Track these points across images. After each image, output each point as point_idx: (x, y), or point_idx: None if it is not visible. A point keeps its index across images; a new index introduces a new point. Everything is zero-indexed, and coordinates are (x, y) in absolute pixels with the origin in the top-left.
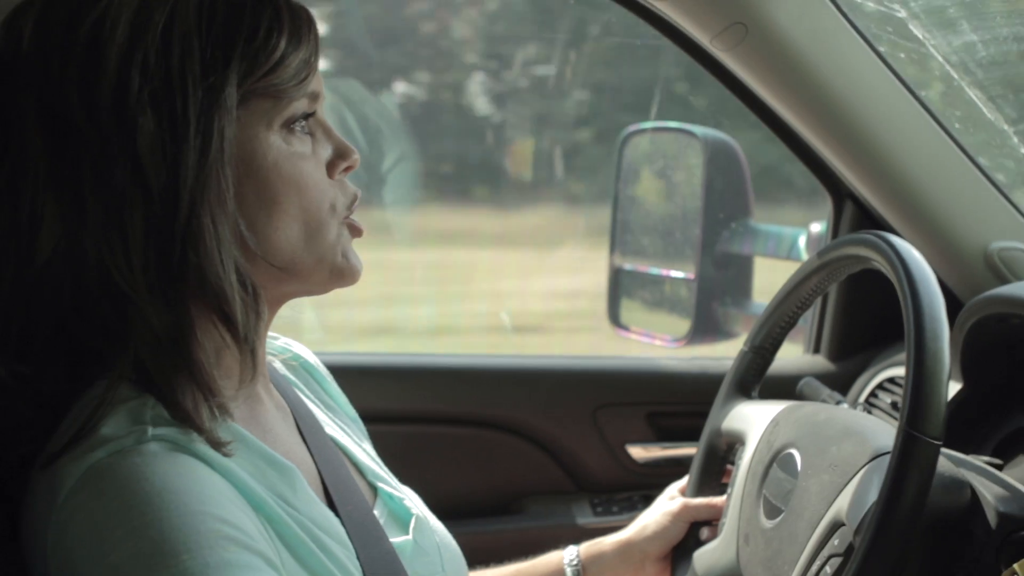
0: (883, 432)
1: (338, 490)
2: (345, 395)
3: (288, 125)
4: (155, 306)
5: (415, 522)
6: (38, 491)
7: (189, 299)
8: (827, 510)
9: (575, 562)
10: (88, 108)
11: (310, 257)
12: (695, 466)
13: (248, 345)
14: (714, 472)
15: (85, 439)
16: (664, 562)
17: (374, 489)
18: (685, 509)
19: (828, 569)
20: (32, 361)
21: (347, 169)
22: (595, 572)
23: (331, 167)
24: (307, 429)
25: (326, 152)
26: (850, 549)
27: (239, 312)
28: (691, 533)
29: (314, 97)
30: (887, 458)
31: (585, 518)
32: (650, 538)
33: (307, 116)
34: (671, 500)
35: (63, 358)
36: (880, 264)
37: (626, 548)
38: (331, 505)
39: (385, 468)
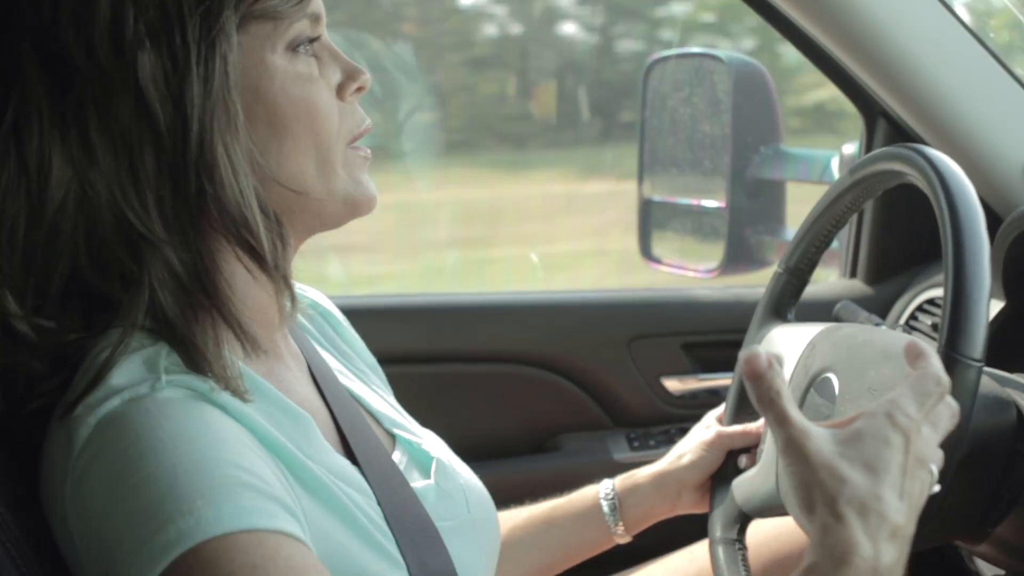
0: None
1: (355, 439)
2: (369, 338)
3: (292, 48)
4: (173, 244)
5: (436, 465)
6: (56, 442)
7: (210, 234)
8: None
9: (611, 495)
10: (85, 47)
11: (323, 185)
12: (731, 393)
13: (279, 272)
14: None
15: (100, 388)
16: (701, 491)
17: (392, 436)
18: (720, 438)
19: None
20: (48, 312)
21: (359, 90)
22: (631, 504)
23: (341, 89)
24: (322, 378)
25: (335, 75)
26: None
27: (264, 239)
28: (729, 461)
29: (315, 19)
30: None
31: (622, 453)
32: (686, 467)
33: (312, 40)
34: (707, 429)
35: (77, 307)
36: (916, 179)
37: (662, 478)
38: (349, 454)
39: (404, 413)
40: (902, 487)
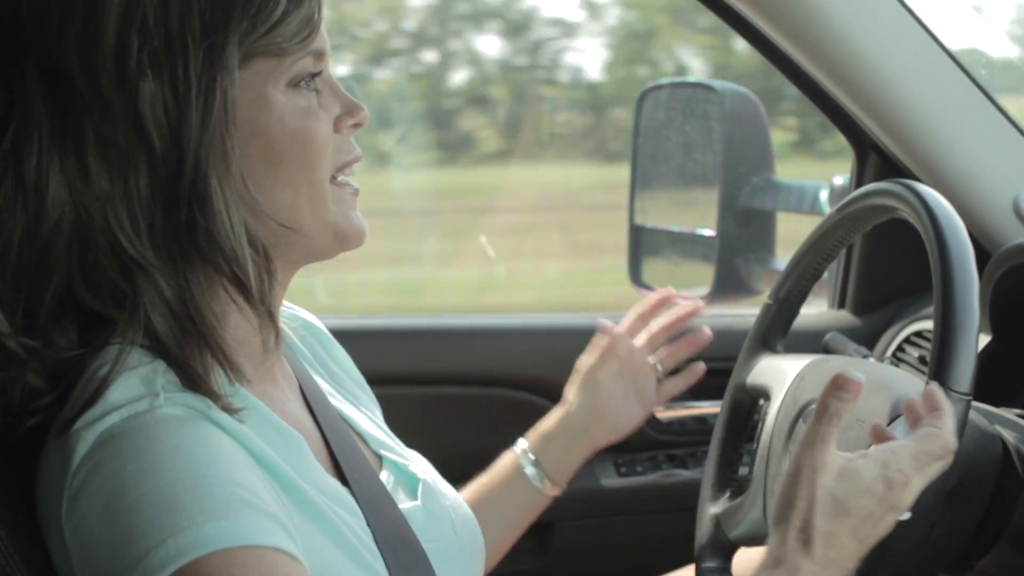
0: (911, 386)
1: (345, 460)
2: (359, 358)
3: (294, 84)
4: (163, 271)
5: (422, 487)
6: (53, 458)
7: (198, 263)
8: None
9: (529, 456)
10: (89, 72)
11: (315, 218)
12: (720, 421)
13: (264, 307)
14: (739, 427)
15: (98, 405)
16: (608, 417)
17: (379, 458)
18: (612, 343)
19: None
20: (40, 330)
21: (355, 125)
22: (549, 458)
23: (338, 123)
24: (314, 400)
25: (334, 109)
26: None
27: (252, 274)
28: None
29: (319, 55)
30: None
31: (609, 479)
32: (584, 398)
33: (313, 75)
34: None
35: (72, 325)
36: (906, 213)
37: (567, 420)
38: (340, 475)
39: (391, 435)
40: (861, 530)
